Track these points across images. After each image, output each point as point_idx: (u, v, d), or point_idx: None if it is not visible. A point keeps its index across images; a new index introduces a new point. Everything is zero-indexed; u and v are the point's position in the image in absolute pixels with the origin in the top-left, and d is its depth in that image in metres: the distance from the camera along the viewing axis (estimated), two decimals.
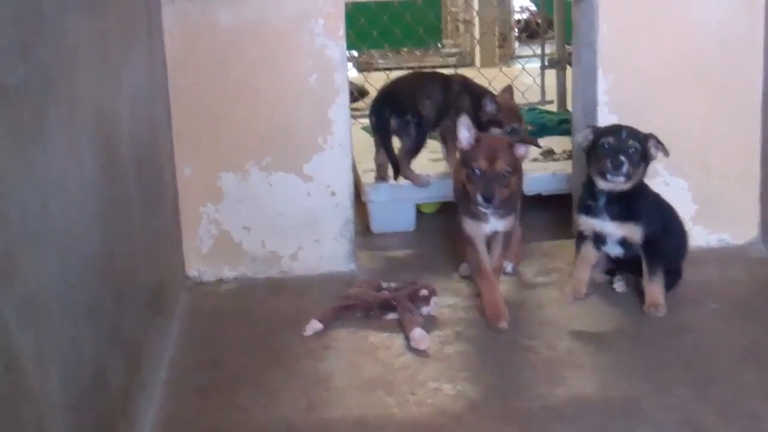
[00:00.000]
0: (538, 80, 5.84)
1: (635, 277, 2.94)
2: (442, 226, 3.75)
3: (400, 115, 3.68)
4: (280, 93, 3.13)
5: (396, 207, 3.74)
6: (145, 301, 2.39)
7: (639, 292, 2.90)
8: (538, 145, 2.96)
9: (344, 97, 3.15)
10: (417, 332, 2.66)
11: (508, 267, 3.15)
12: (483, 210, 2.81)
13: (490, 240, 2.97)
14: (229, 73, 3.10)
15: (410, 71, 4.44)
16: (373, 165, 3.93)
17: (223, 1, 3.05)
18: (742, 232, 3.37)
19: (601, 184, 2.83)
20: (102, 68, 2.03)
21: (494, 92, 3.78)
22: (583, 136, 2.89)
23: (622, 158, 2.76)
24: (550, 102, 5.58)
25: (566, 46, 5.25)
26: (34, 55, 1.49)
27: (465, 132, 2.80)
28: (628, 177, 2.78)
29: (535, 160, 3.86)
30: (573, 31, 3.46)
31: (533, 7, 7.99)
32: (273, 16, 3.08)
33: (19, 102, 1.40)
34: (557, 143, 4.17)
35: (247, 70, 3.11)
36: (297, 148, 3.17)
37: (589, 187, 2.89)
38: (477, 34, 7.09)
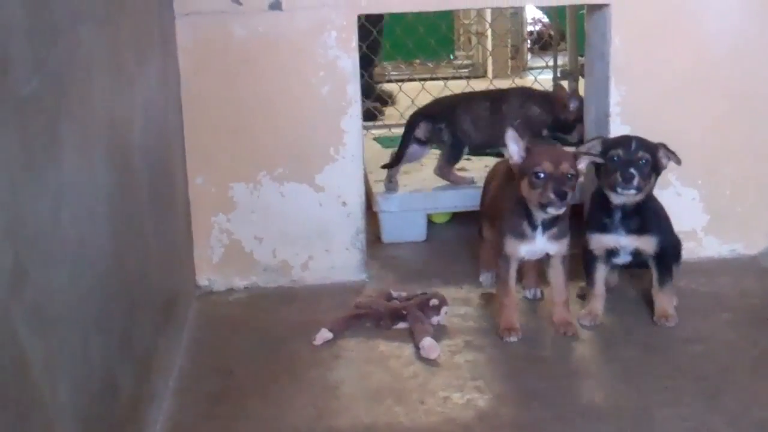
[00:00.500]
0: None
1: (642, 284, 2.93)
2: (454, 236, 3.76)
3: (432, 122, 3.76)
4: (292, 104, 3.15)
5: (407, 217, 3.75)
6: (156, 310, 2.40)
7: (648, 302, 2.89)
8: (599, 161, 2.78)
9: (356, 108, 3.17)
10: (427, 341, 2.66)
11: (537, 292, 3.08)
12: (554, 211, 2.65)
13: (527, 265, 2.97)
14: (242, 84, 3.12)
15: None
16: (383, 175, 3.94)
17: (236, 14, 3.07)
18: (754, 242, 3.37)
19: (613, 198, 2.78)
20: (115, 79, 2.05)
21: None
22: (589, 147, 2.83)
23: (633, 171, 2.71)
24: None
25: (579, 58, 5.25)
26: (47, 67, 1.51)
27: (514, 145, 2.69)
28: (639, 189, 2.73)
29: None
30: (585, 43, 3.47)
31: (546, 19, 7.98)
32: (286, 29, 3.10)
33: (32, 113, 1.42)
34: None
35: (259, 81, 3.12)
36: (309, 158, 3.18)
37: (600, 201, 2.84)
38: (489, 45, 7.09)
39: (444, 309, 2.85)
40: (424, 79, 6.05)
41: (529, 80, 6.27)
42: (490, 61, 7.18)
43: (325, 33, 3.11)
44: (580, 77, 4.96)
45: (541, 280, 3.03)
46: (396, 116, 5.49)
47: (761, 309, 2.94)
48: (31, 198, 1.40)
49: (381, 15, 5.52)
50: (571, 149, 2.87)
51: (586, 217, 3.01)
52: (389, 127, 5.39)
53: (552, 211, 2.65)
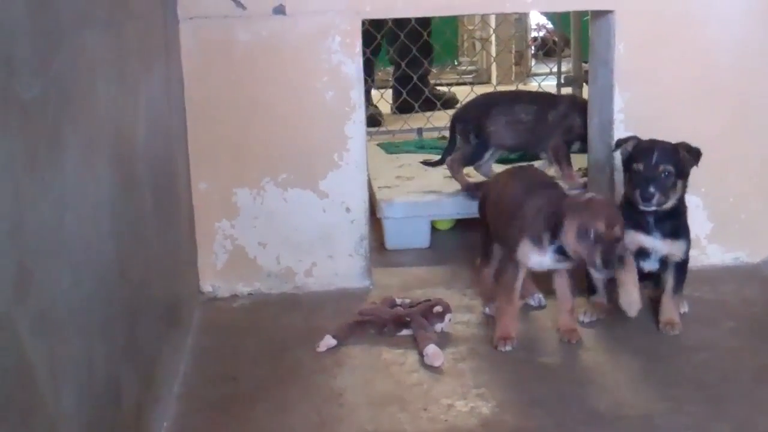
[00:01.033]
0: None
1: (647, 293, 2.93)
2: (457, 243, 3.75)
3: (464, 121, 3.78)
4: (296, 110, 3.15)
5: (411, 223, 3.74)
6: (160, 316, 2.40)
7: (652, 310, 2.89)
8: (661, 202, 2.71)
9: (360, 114, 3.17)
10: (431, 349, 2.66)
11: (541, 299, 3.07)
12: (599, 275, 2.70)
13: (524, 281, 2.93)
14: (246, 89, 3.12)
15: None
16: (387, 181, 3.96)
17: (240, 19, 3.07)
18: (757, 250, 3.36)
19: (640, 206, 2.76)
20: (119, 84, 2.05)
21: None
22: (623, 148, 2.83)
23: (653, 190, 2.69)
24: None
25: (583, 64, 5.25)
26: (51, 71, 1.51)
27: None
28: (660, 205, 2.71)
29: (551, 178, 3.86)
30: (589, 49, 3.47)
31: (550, 25, 7.99)
32: (290, 34, 3.10)
33: (35, 117, 1.42)
34: (573, 161, 4.16)
35: (263, 86, 3.12)
36: (313, 164, 3.18)
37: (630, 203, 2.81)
38: (493, 51, 7.10)
39: (448, 316, 2.84)
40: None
41: (533, 86, 6.28)
42: (494, 67, 7.19)
43: (329, 38, 3.11)
44: (583, 84, 4.96)
45: (536, 286, 3.05)
46: (400, 122, 5.50)
47: (765, 317, 2.93)
48: (34, 203, 1.39)
49: (428, 17, 5.57)
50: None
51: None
52: (392, 132, 5.40)
53: (596, 275, 2.68)
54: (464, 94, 5.68)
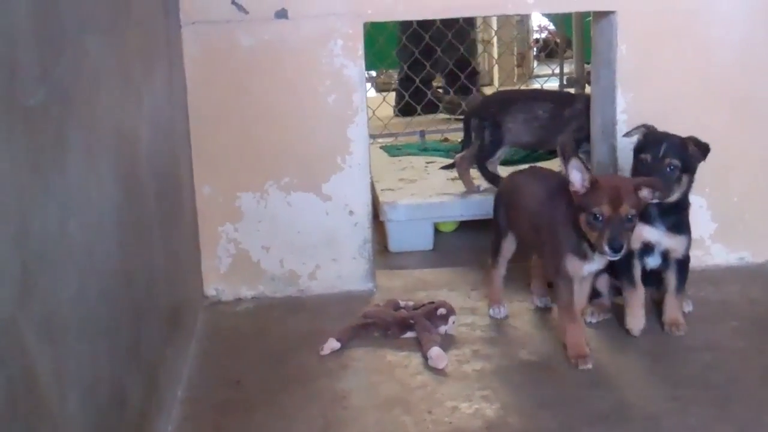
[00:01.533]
0: None
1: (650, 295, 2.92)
2: (461, 245, 3.75)
3: (480, 118, 3.78)
4: (299, 113, 3.15)
5: (414, 226, 3.75)
6: (164, 320, 2.40)
7: (656, 311, 2.89)
8: (664, 195, 2.65)
9: (363, 116, 3.17)
10: (435, 351, 2.66)
11: (548, 301, 3.04)
12: (610, 258, 2.56)
13: (535, 272, 3.00)
14: (248, 93, 3.12)
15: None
16: (390, 184, 3.96)
17: (242, 22, 3.07)
18: (762, 250, 3.36)
19: None
20: (122, 89, 2.05)
21: None
22: (636, 136, 2.83)
23: None
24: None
25: (585, 65, 5.25)
26: (54, 77, 1.51)
27: (577, 174, 2.55)
28: (662, 199, 2.72)
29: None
30: (592, 50, 3.47)
31: (552, 27, 8.00)
32: (292, 37, 3.10)
33: (39, 123, 1.42)
34: None
35: (265, 90, 3.12)
36: (316, 167, 3.18)
37: None
38: (495, 53, 7.10)
39: (452, 318, 2.84)
40: None
41: (535, 87, 6.28)
42: (496, 68, 7.19)
43: (331, 41, 3.11)
44: (586, 85, 4.96)
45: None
46: (402, 125, 5.50)
47: None
48: (38, 208, 1.40)
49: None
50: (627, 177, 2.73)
51: None
52: (395, 135, 5.40)
53: (608, 257, 2.58)
54: None
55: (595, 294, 2.93)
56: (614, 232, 2.48)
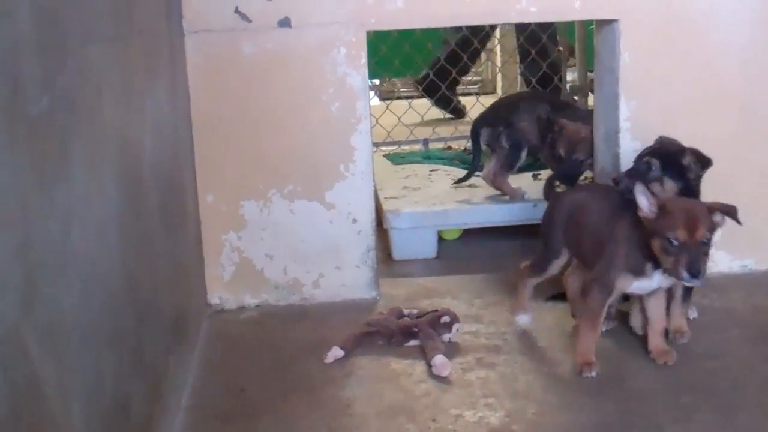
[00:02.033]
0: None
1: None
2: (464, 253, 3.75)
3: (492, 126, 3.76)
4: (302, 121, 3.15)
5: (418, 234, 3.75)
6: (167, 329, 2.40)
7: None
8: (738, 221, 2.55)
9: (366, 125, 3.17)
10: (438, 359, 2.65)
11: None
12: (687, 284, 2.55)
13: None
14: (251, 102, 3.13)
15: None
16: (394, 192, 3.96)
17: (245, 31, 3.08)
18: (766, 257, 3.35)
19: None
20: (125, 98, 2.06)
21: None
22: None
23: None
24: None
25: (588, 73, 5.25)
26: (57, 86, 1.51)
27: (643, 200, 2.49)
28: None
29: (556, 186, 3.86)
30: (595, 58, 3.47)
31: None
32: (295, 46, 3.10)
33: (42, 132, 1.42)
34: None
35: (269, 98, 3.13)
36: (319, 176, 3.18)
37: None
38: (498, 61, 7.10)
39: (455, 326, 2.84)
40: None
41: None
42: (499, 77, 7.19)
43: (335, 50, 3.11)
44: (589, 93, 4.96)
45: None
46: (405, 133, 5.50)
47: None
48: (41, 216, 1.40)
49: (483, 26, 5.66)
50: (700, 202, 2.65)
51: None
52: (399, 144, 5.40)
53: (684, 283, 2.53)
54: (470, 104, 5.70)
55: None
56: (692, 257, 2.41)
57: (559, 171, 3.55)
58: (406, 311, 3.00)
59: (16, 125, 1.31)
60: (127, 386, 1.89)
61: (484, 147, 3.94)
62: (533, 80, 5.76)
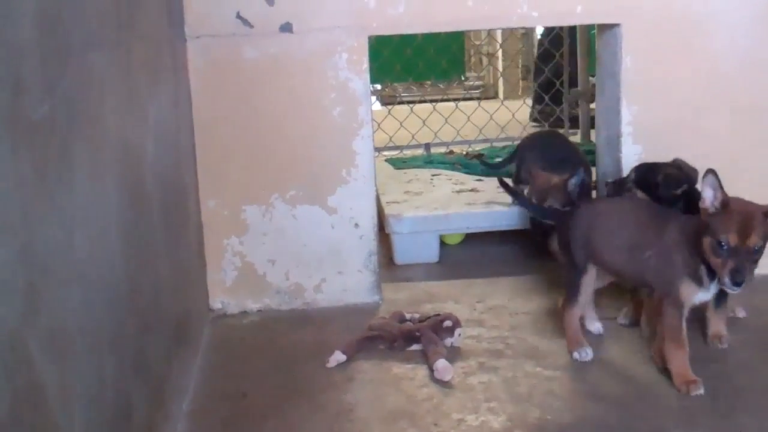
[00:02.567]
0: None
1: None
2: (466, 258, 3.75)
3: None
4: (304, 126, 3.15)
5: (420, 238, 3.75)
6: (169, 334, 2.40)
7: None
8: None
9: (368, 129, 3.17)
10: (441, 363, 2.65)
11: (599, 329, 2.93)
12: (729, 290, 2.46)
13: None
14: (253, 106, 3.13)
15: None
16: (396, 197, 3.96)
17: (247, 36, 3.08)
18: (766, 261, 3.34)
19: None
20: (127, 103, 2.06)
21: None
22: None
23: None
24: (574, 133, 5.59)
25: (590, 78, 5.26)
26: (59, 91, 1.52)
27: (709, 191, 2.42)
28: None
29: None
30: (596, 63, 3.47)
31: None
32: (297, 51, 3.11)
33: (44, 136, 1.42)
34: None
35: (271, 103, 3.13)
36: (321, 180, 3.19)
37: None
38: (500, 66, 7.11)
39: (457, 330, 2.84)
40: (435, 101, 6.08)
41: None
42: (501, 81, 7.20)
43: (336, 55, 3.12)
44: (591, 97, 4.96)
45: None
46: (407, 138, 5.51)
47: None
48: (43, 221, 1.40)
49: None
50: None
51: None
52: (401, 148, 5.41)
53: (726, 289, 2.45)
54: (471, 109, 5.71)
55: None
56: (738, 264, 2.35)
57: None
58: (408, 315, 3.00)
59: (18, 130, 1.31)
60: (129, 391, 1.89)
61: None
62: (556, 82, 5.76)
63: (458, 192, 4.07)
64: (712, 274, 2.45)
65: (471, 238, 3.91)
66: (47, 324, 1.38)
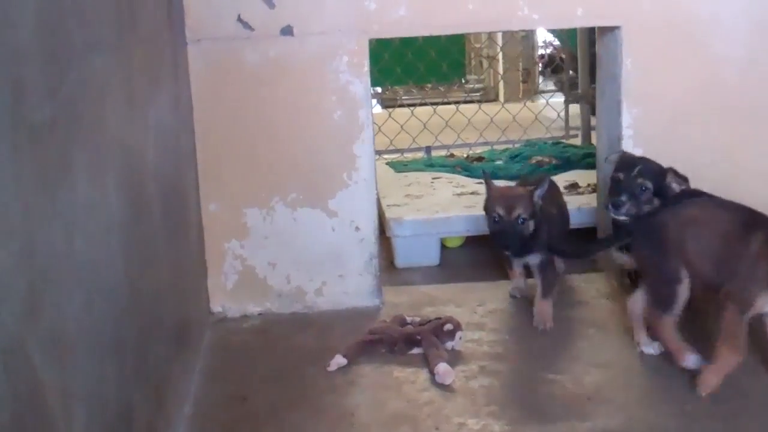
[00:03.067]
0: (563, 114, 5.85)
1: None
2: (467, 261, 3.75)
3: None
4: (304, 129, 3.15)
5: (420, 241, 3.74)
6: (170, 337, 2.40)
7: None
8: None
9: (369, 133, 3.17)
10: (442, 367, 2.65)
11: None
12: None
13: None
14: (254, 110, 3.13)
15: None
16: (396, 200, 3.96)
17: (248, 39, 3.08)
18: None
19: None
20: (128, 107, 2.06)
21: None
22: (611, 160, 2.92)
23: (623, 199, 2.77)
24: (575, 136, 5.59)
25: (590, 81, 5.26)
26: (61, 93, 1.51)
27: None
28: (629, 215, 2.73)
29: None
30: (597, 66, 3.47)
31: (557, 42, 8.00)
32: (297, 54, 3.11)
33: (46, 139, 1.42)
34: (582, 177, 4.17)
35: (271, 107, 3.13)
36: (322, 183, 3.18)
37: None
38: (501, 69, 7.11)
39: (458, 334, 2.84)
40: (436, 104, 6.08)
41: (541, 103, 6.29)
42: (501, 84, 7.20)
43: (337, 58, 3.11)
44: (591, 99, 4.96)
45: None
46: (408, 141, 5.50)
47: None
48: (44, 224, 1.40)
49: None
50: None
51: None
52: (401, 151, 5.41)
53: None
54: (471, 111, 5.71)
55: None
56: None
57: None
58: (409, 319, 2.99)
59: (19, 133, 1.31)
60: (130, 395, 1.88)
61: None
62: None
63: (459, 195, 4.07)
64: None
65: (472, 242, 3.90)
66: (48, 327, 1.38)
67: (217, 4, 3.06)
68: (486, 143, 5.56)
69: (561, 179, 4.01)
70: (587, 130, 5.35)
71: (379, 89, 7.00)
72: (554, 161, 4.62)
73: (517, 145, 5.38)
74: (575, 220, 3.70)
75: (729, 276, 2.51)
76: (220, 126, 3.12)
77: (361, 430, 2.40)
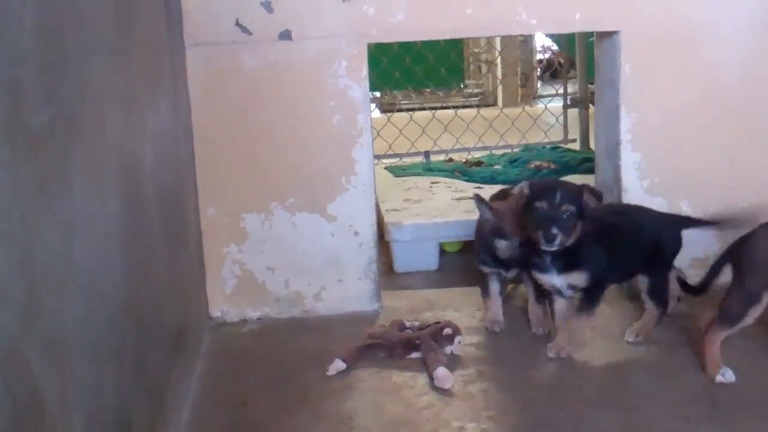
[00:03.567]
0: (561, 119, 5.86)
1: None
2: (466, 265, 3.75)
3: None
4: (303, 134, 3.15)
5: (419, 246, 3.75)
6: (169, 342, 2.40)
7: (662, 328, 2.88)
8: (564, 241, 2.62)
9: (367, 137, 3.17)
10: (440, 371, 2.65)
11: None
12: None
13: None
14: (253, 114, 3.13)
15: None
16: (395, 205, 3.96)
17: (246, 44, 3.08)
18: None
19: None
20: (126, 111, 2.06)
21: None
22: (522, 194, 2.75)
23: (555, 231, 2.64)
24: (573, 141, 5.60)
25: (589, 85, 5.26)
26: (59, 98, 1.51)
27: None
28: (562, 245, 2.68)
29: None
30: (596, 70, 3.47)
31: (555, 47, 8.02)
32: (296, 59, 3.11)
33: (43, 144, 1.42)
34: (580, 182, 4.16)
35: (270, 111, 3.13)
36: (321, 188, 3.18)
37: None
38: (499, 74, 7.12)
39: (457, 338, 2.84)
40: (435, 108, 6.09)
41: (539, 108, 6.29)
42: (500, 89, 7.21)
43: (336, 62, 3.12)
44: (590, 104, 4.97)
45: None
46: (406, 145, 5.51)
47: None
48: (42, 229, 1.40)
49: None
50: None
51: None
52: (400, 156, 5.41)
53: None
54: (470, 116, 5.71)
55: None
56: None
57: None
58: (408, 323, 2.99)
59: (18, 137, 1.31)
60: (129, 400, 1.88)
61: None
62: None
63: (458, 200, 4.07)
64: None
65: (471, 246, 3.90)
66: (46, 332, 1.38)
67: (215, 9, 3.06)
68: (485, 148, 5.57)
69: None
70: (585, 134, 5.36)
71: (377, 94, 7.01)
72: (552, 166, 4.63)
73: (515, 150, 5.39)
74: None
75: None
76: (219, 130, 3.12)
77: None
